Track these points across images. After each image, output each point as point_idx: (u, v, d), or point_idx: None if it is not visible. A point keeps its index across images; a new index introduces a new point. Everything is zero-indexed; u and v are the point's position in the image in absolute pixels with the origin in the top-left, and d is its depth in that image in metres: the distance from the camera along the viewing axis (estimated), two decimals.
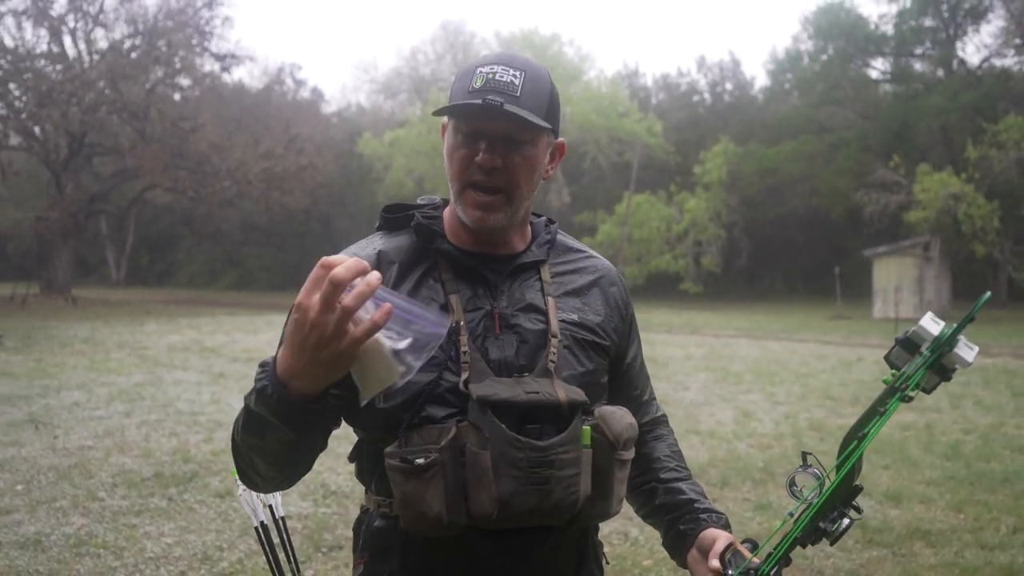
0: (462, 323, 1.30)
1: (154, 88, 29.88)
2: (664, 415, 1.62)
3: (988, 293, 1.16)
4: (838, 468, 1.19)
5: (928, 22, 36.45)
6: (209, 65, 32.75)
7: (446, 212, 1.43)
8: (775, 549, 1.23)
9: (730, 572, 1.27)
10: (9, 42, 29.14)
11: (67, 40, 29.86)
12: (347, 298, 1.00)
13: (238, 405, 1.20)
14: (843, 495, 1.20)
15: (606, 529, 4.68)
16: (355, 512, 1.48)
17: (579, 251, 1.51)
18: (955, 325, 1.13)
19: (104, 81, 27.77)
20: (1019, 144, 26.48)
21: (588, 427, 1.28)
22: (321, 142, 37.07)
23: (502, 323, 1.33)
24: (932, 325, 1.13)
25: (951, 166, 28.45)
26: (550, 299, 1.38)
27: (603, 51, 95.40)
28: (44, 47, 29.44)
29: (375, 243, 1.40)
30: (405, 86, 49.14)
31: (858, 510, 1.22)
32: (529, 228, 1.46)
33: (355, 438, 1.40)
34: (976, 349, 1.14)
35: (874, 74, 39.40)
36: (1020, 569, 4.31)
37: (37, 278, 28.65)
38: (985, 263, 28.69)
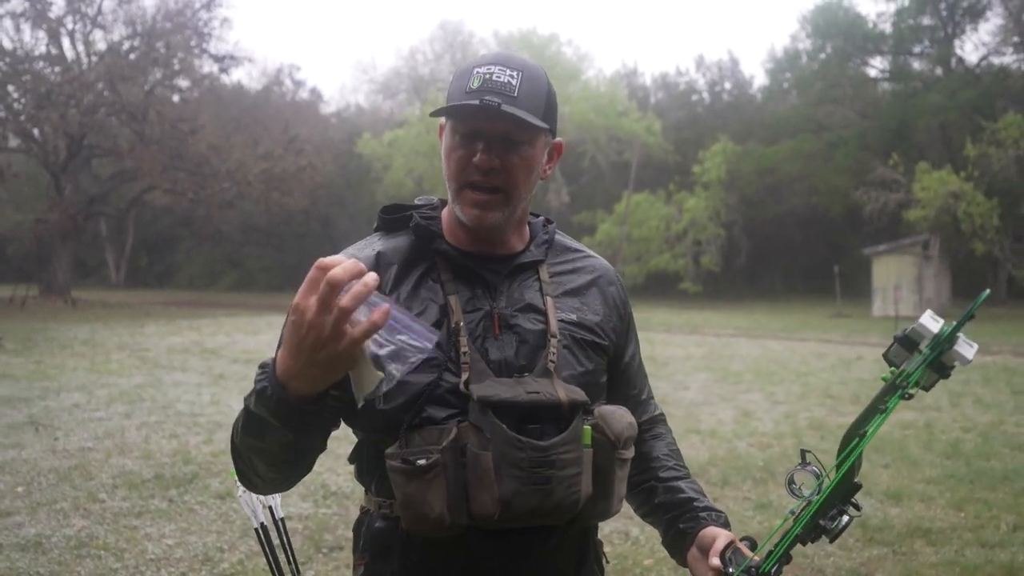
0: (461, 323, 1.30)
1: (153, 89, 29.87)
2: (662, 414, 1.63)
3: (987, 291, 1.16)
4: (839, 466, 1.20)
5: (926, 20, 36.46)
6: (208, 66, 32.77)
7: (444, 212, 1.43)
8: (776, 547, 1.23)
9: (731, 570, 1.27)
10: (7, 44, 29.17)
11: (65, 42, 29.88)
12: (344, 299, 1.00)
13: (238, 406, 1.20)
14: (843, 492, 1.21)
15: (607, 528, 4.68)
16: (355, 513, 1.48)
17: (577, 251, 1.51)
18: (955, 323, 1.13)
19: (103, 83, 27.76)
20: (1018, 142, 26.49)
21: (589, 426, 1.29)
22: (320, 143, 37.07)
23: (501, 323, 1.33)
24: (932, 323, 1.13)
25: (950, 164, 28.46)
26: (549, 299, 1.38)
27: (601, 51, 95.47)
28: (43, 49, 29.45)
29: (374, 244, 1.40)
30: (404, 86, 49.15)
31: (857, 507, 1.22)
32: (527, 228, 1.46)
33: (355, 439, 1.40)
34: (976, 346, 1.14)
35: (873, 73, 39.41)
36: (1020, 567, 4.31)
37: (37, 280, 28.64)
38: (985, 261, 28.69)
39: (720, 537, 1.34)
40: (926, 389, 1.17)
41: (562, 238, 1.51)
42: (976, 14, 35.19)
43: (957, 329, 1.12)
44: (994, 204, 26.43)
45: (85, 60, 29.98)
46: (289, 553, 2.03)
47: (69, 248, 29.55)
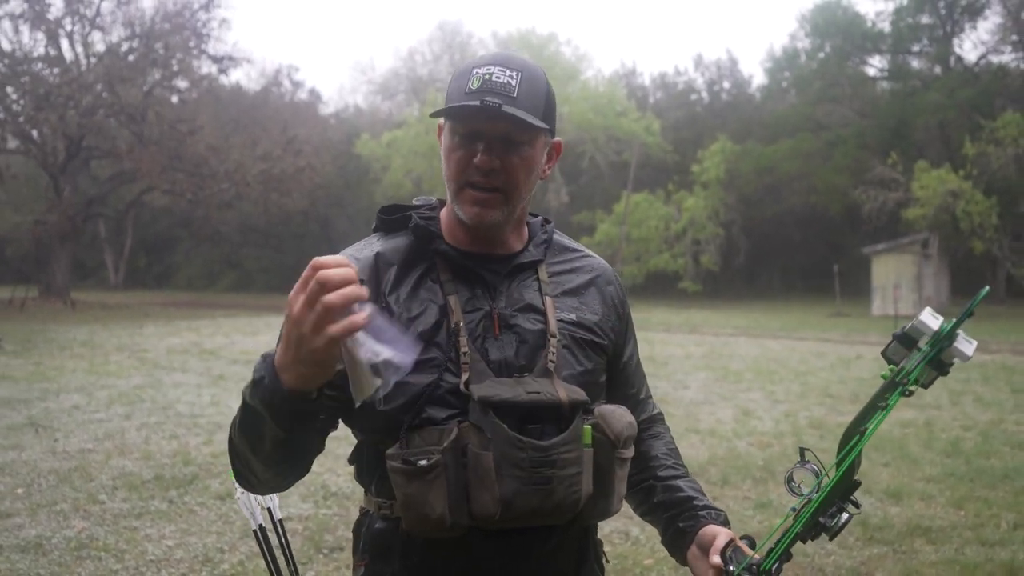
0: (461, 324, 1.30)
1: (151, 91, 29.86)
2: (660, 413, 1.63)
3: (987, 287, 1.16)
4: (839, 463, 1.20)
5: (925, 19, 36.50)
6: (206, 67, 32.77)
7: (442, 213, 1.43)
8: (776, 544, 1.23)
9: (731, 568, 1.27)
10: (6, 46, 29.17)
11: (64, 43, 29.87)
12: (330, 296, 1.00)
13: (238, 407, 1.20)
14: (843, 490, 1.21)
15: (607, 528, 4.68)
16: (356, 513, 1.48)
17: (575, 250, 1.52)
18: (954, 319, 1.13)
19: (101, 84, 27.76)
20: (1017, 140, 26.51)
21: (589, 426, 1.29)
22: (319, 143, 37.08)
23: (501, 323, 1.33)
24: (932, 319, 1.13)
25: (949, 163, 28.49)
26: (548, 299, 1.39)
27: (600, 50, 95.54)
28: (41, 50, 29.43)
29: (373, 245, 1.40)
30: (403, 87, 49.18)
31: (856, 505, 1.22)
32: (526, 228, 1.46)
33: (355, 440, 1.40)
34: (975, 343, 1.14)
35: (871, 71, 39.45)
36: (1021, 565, 4.31)
37: (36, 281, 28.63)
38: (984, 260, 28.71)
39: (720, 535, 1.34)
40: (925, 387, 1.18)
41: (560, 238, 1.51)
42: (975, 13, 35.23)
43: (957, 326, 1.12)
44: (993, 203, 26.46)
45: (84, 61, 29.98)
46: (288, 555, 2.03)
47: (68, 249, 29.55)
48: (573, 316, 1.40)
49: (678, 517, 1.44)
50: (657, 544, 1.76)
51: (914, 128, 33.91)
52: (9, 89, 27.86)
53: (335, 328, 1.00)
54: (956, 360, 1.14)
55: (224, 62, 32.44)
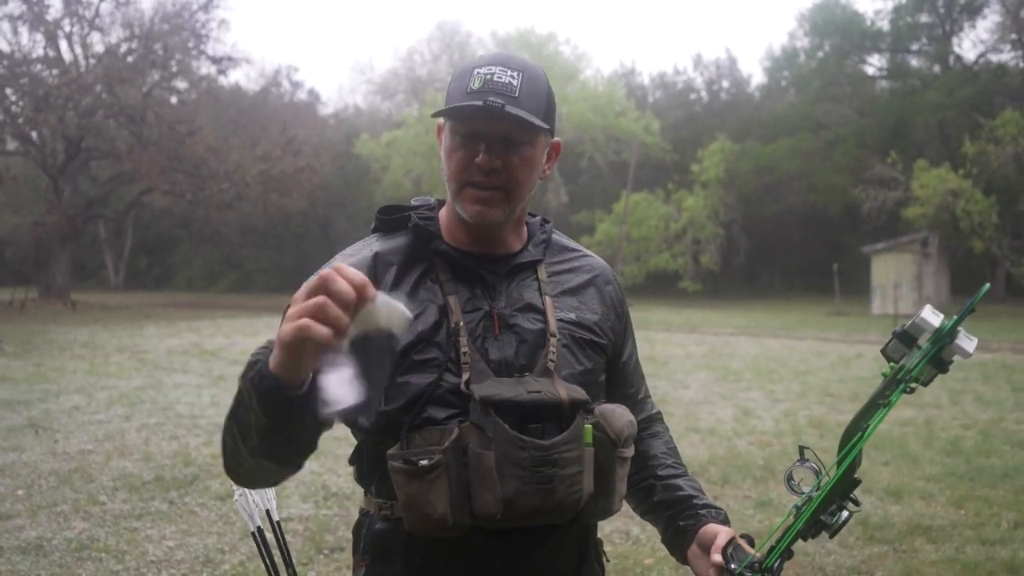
0: (461, 323, 1.30)
1: (151, 91, 29.84)
2: (659, 412, 1.63)
3: (987, 285, 1.17)
4: (841, 460, 1.20)
5: (924, 18, 36.52)
6: (206, 68, 32.78)
7: (442, 213, 1.44)
8: (778, 542, 1.23)
9: (733, 566, 1.27)
10: (5, 47, 29.16)
11: (63, 44, 29.86)
12: (325, 301, 0.96)
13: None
14: (843, 488, 1.21)
15: (607, 527, 4.68)
16: (356, 514, 1.47)
17: (574, 250, 1.52)
18: (955, 317, 1.13)
19: (101, 85, 27.75)
20: (1016, 139, 26.52)
21: (590, 425, 1.29)
22: (318, 144, 37.07)
23: (501, 323, 1.33)
24: (933, 317, 1.13)
25: (948, 162, 28.50)
26: (548, 298, 1.39)
27: (599, 50, 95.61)
28: (40, 52, 29.43)
29: (372, 245, 1.40)
30: (402, 87, 49.21)
31: (856, 503, 1.23)
32: (525, 228, 1.46)
33: (355, 441, 1.40)
34: (975, 340, 1.14)
35: (870, 70, 39.46)
36: (1021, 564, 4.31)
37: (36, 283, 28.63)
38: (983, 259, 28.72)
39: (721, 534, 1.34)
40: (924, 384, 1.18)
41: (559, 238, 1.52)
42: (974, 11, 35.25)
43: (958, 323, 1.12)
44: (992, 201, 26.47)
45: (83, 62, 29.96)
46: (286, 556, 2.03)
47: (68, 251, 29.54)
48: (573, 316, 1.40)
49: (678, 516, 1.44)
50: (657, 543, 1.76)
51: (913, 127, 33.93)
52: (8, 91, 27.86)
53: (298, 323, 0.96)
54: (957, 357, 1.15)
55: (223, 63, 32.46)
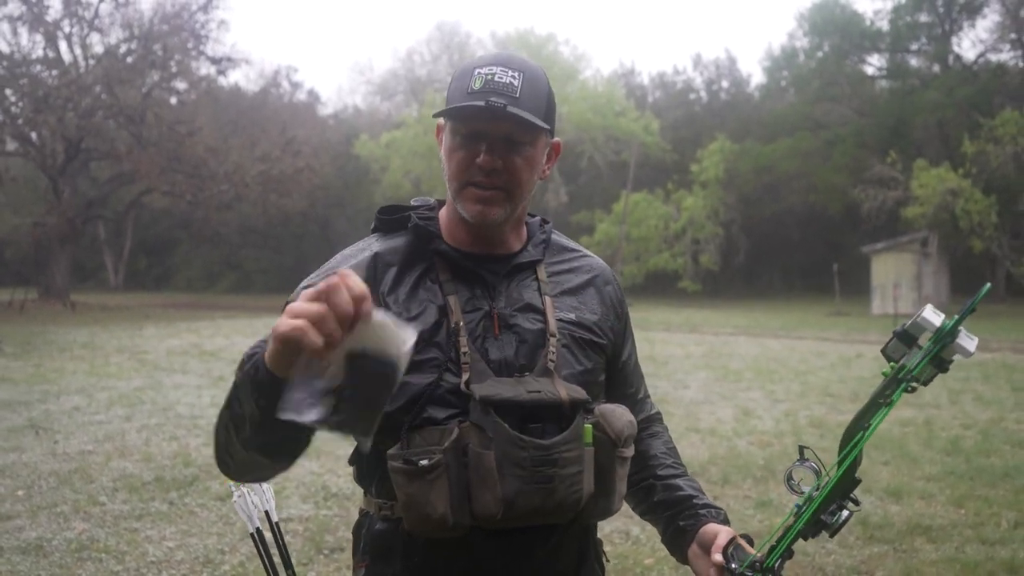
0: (461, 323, 1.30)
1: (150, 92, 29.84)
2: (658, 413, 1.63)
3: (989, 284, 1.17)
4: (843, 459, 1.20)
5: (923, 18, 36.54)
6: (205, 69, 32.80)
7: (441, 213, 1.44)
8: (779, 542, 1.23)
9: (734, 566, 1.27)
10: (4, 48, 29.22)
11: (63, 45, 29.86)
12: (324, 310, 0.95)
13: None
14: (844, 487, 1.21)
15: (607, 527, 4.68)
16: (356, 514, 1.47)
17: (574, 250, 1.52)
18: (956, 316, 1.13)
19: (100, 86, 27.75)
20: (1016, 139, 26.53)
21: (590, 425, 1.29)
22: (318, 144, 37.09)
23: (501, 323, 1.33)
24: (934, 316, 1.14)
25: (948, 161, 28.51)
26: (547, 299, 1.39)
27: (599, 50, 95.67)
28: (40, 52, 29.43)
29: (371, 245, 1.40)
30: (401, 87, 49.21)
31: (856, 502, 1.23)
32: (524, 228, 1.46)
33: (354, 441, 1.39)
34: (976, 339, 1.15)
35: (870, 70, 39.48)
36: (1021, 564, 4.31)
37: (35, 283, 28.63)
38: (983, 258, 28.74)
39: (722, 533, 1.34)
40: (924, 384, 1.18)
41: (559, 238, 1.52)
42: (973, 11, 35.27)
43: (960, 321, 1.13)
44: (992, 201, 26.48)
45: (82, 63, 29.96)
46: (285, 557, 2.03)
47: (67, 251, 29.54)
48: (572, 316, 1.40)
49: (678, 516, 1.44)
50: (657, 544, 1.76)
51: (913, 127, 33.95)
52: (8, 91, 27.85)
53: (301, 325, 0.94)
54: (957, 356, 1.15)
55: (223, 63, 32.47)
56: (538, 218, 1.51)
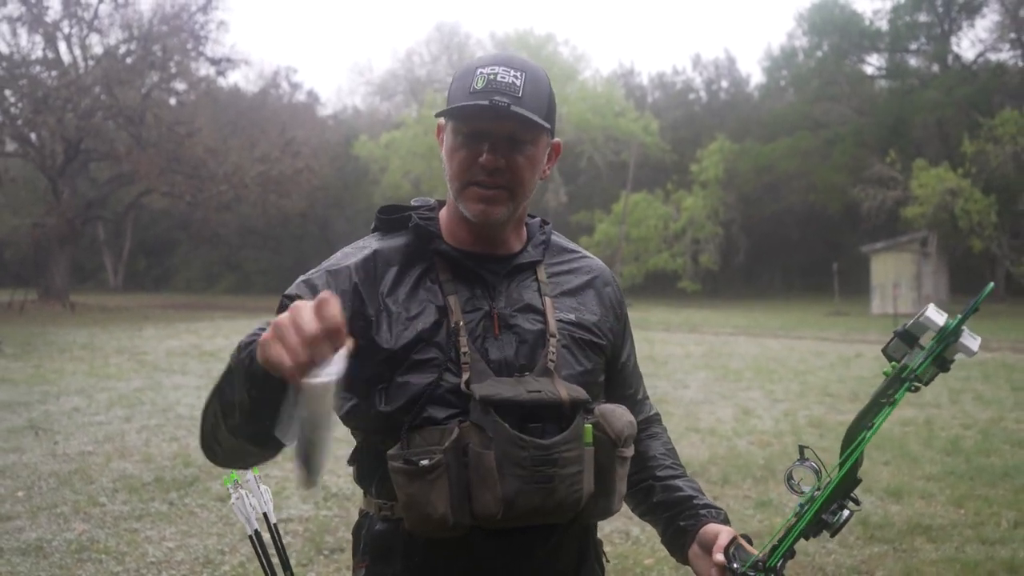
0: (461, 323, 1.30)
1: (150, 93, 29.83)
2: (657, 413, 1.63)
3: (991, 284, 1.17)
4: (845, 459, 1.20)
5: (923, 17, 36.55)
6: (204, 69, 32.80)
7: (442, 213, 1.44)
8: (780, 542, 1.23)
9: (735, 566, 1.27)
10: (4, 49, 29.28)
11: (62, 46, 29.86)
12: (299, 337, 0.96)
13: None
14: (845, 487, 1.21)
15: (607, 528, 4.68)
16: (356, 514, 1.47)
17: (573, 251, 1.52)
18: (960, 316, 1.13)
19: (100, 86, 27.75)
20: (1015, 138, 26.54)
21: (590, 425, 1.29)
22: (317, 145, 37.07)
23: (501, 323, 1.33)
24: (937, 316, 1.14)
25: (947, 161, 28.53)
26: (547, 299, 1.39)
27: (598, 51, 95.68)
28: (39, 53, 29.42)
29: (372, 245, 1.40)
30: (401, 88, 49.21)
31: (856, 501, 1.23)
32: (524, 228, 1.46)
33: (354, 441, 1.40)
34: (979, 339, 1.14)
35: (869, 70, 39.50)
36: (1021, 564, 4.31)
37: (35, 284, 28.61)
38: (983, 258, 28.74)
39: (723, 533, 1.34)
40: (926, 383, 1.18)
41: (558, 239, 1.52)
42: (972, 11, 35.28)
43: (963, 321, 1.13)
44: (991, 201, 26.49)
45: (82, 64, 29.96)
46: (284, 559, 2.02)
47: (67, 252, 29.53)
48: (572, 316, 1.40)
49: (678, 516, 1.44)
50: (657, 544, 1.76)
51: (912, 126, 33.97)
52: (7, 92, 27.85)
53: (279, 352, 0.96)
54: (960, 356, 1.15)
55: (222, 64, 32.48)
56: (538, 219, 1.51)
